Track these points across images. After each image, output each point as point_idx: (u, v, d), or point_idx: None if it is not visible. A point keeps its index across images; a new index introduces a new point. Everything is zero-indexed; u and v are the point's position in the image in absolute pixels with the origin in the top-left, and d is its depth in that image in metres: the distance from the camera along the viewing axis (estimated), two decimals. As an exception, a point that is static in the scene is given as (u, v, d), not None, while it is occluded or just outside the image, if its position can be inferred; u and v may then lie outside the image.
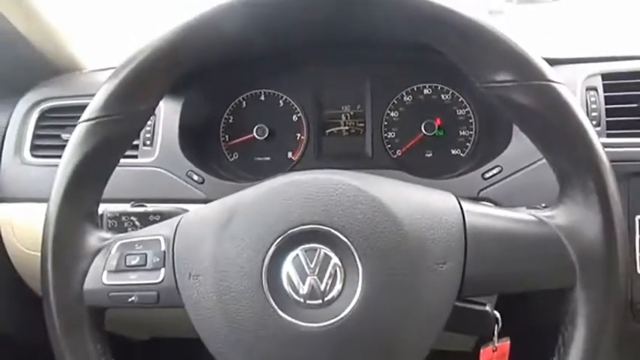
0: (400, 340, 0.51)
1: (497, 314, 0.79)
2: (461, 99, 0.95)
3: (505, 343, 0.83)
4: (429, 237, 0.52)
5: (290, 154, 1.01)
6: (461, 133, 0.95)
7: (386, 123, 0.98)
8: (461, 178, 0.83)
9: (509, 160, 0.80)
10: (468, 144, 0.95)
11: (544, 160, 0.78)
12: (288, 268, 0.52)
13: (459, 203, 0.55)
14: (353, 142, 1.00)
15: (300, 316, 0.51)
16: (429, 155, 0.97)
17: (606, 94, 0.78)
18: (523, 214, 0.55)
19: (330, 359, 0.50)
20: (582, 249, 0.51)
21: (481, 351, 0.80)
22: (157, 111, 0.93)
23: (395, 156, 0.98)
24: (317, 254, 0.52)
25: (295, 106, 1.01)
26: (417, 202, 0.54)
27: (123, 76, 0.57)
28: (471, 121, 0.96)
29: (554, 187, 0.57)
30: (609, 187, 0.51)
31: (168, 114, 0.93)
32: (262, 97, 1.03)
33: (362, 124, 1.00)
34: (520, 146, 0.82)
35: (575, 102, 0.52)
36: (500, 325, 0.80)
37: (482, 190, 0.81)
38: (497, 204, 0.79)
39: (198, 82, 0.97)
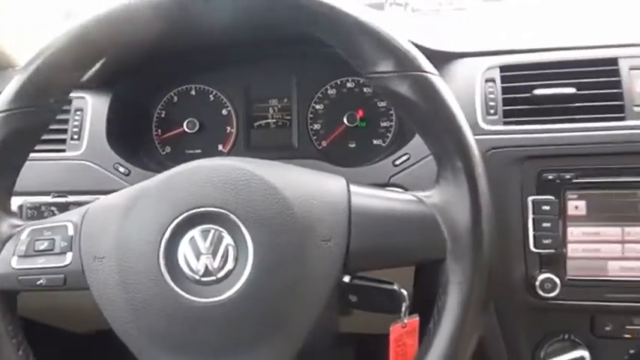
0: (288, 312, 0.55)
1: (405, 292, 0.85)
2: None
3: (414, 320, 0.88)
4: (317, 217, 0.56)
5: (221, 147, 1.05)
6: (382, 124, 1.01)
7: (311, 115, 1.03)
8: (374, 166, 0.88)
9: (417, 147, 0.85)
10: (388, 134, 1.00)
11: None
12: (184, 248, 0.56)
13: (348, 186, 0.60)
14: (280, 134, 1.04)
15: (196, 292, 0.55)
16: (352, 145, 1.01)
17: (503, 84, 0.84)
18: (405, 195, 0.60)
19: (224, 332, 0.54)
20: (452, 224, 0.56)
21: (391, 328, 0.85)
22: (84, 105, 0.96)
23: (320, 147, 1.02)
24: (211, 235, 0.56)
25: (225, 100, 1.05)
26: (308, 185, 0.58)
27: (32, 70, 0.60)
28: (390, 112, 1.01)
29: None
30: (476, 168, 0.56)
31: (96, 108, 0.95)
32: (193, 92, 1.06)
33: (289, 117, 1.04)
34: None
35: (447, 91, 0.57)
36: (408, 302, 0.85)
37: (392, 176, 0.86)
38: (406, 189, 0.84)
39: (127, 76, 1.00)
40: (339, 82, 1.02)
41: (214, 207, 0.56)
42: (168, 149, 1.05)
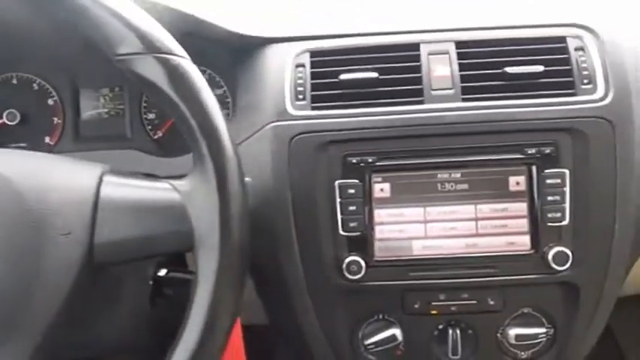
0: (22, 309, 0.52)
1: None
2: (218, 79, 0.98)
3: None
4: (54, 210, 0.54)
5: (47, 139, 0.98)
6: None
7: (145, 104, 0.99)
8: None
9: (237, 131, 0.84)
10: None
11: (257, 133, 0.84)
12: None
13: (101, 176, 0.57)
14: (112, 124, 0.99)
15: None
16: None
17: (313, 70, 0.84)
18: (159, 183, 0.58)
19: None
20: (198, 213, 0.54)
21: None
22: None
23: (155, 136, 0.98)
24: None
25: (50, 89, 0.98)
26: (51, 176, 0.55)
27: None
28: (227, 100, 0.99)
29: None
30: (221, 155, 0.55)
31: None
32: (14, 81, 0.98)
33: (122, 106, 0.99)
34: (235, 121, 0.88)
35: (197, 76, 0.56)
36: None
37: None
38: None
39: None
40: None
41: None
42: (-12, 144, 0.98)
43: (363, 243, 0.81)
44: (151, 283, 0.75)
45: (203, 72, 0.97)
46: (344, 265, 0.79)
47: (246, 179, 0.74)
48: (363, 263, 0.79)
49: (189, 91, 0.54)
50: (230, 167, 0.54)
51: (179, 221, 0.54)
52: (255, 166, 0.82)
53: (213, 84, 0.98)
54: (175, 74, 0.54)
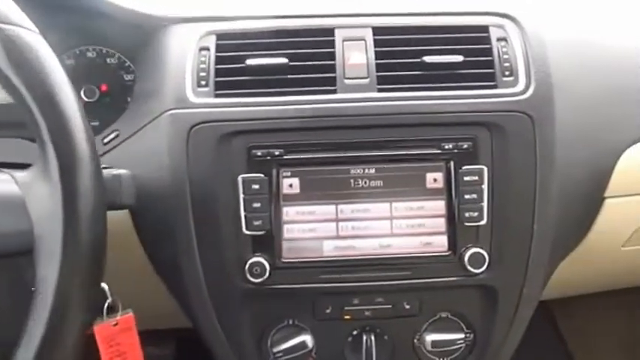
0: None
1: (106, 287, 0.77)
2: (128, 63, 0.90)
3: (128, 316, 0.81)
4: None
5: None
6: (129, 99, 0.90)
7: None
8: None
9: (127, 122, 0.77)
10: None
11: (153, 121, 0.77)
12: None
13: None
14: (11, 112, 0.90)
15: None
16: (96, 124, 0.90)
17: (218, 54, 0.77)
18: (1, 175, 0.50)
19: None
20: (39, 209, 0.47)
21: (95, 328, 0.76)
22: None
23: None
24: None
25: None
26: None
27: None
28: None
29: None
30: (67, 142, 0.47)
31: None
32: None
33: None
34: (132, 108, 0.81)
35: (39, 47, 0.48)
36: (110, 298, 0.77)
37: (101, 155, 0.77)
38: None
39: None
40: (77, 52, 0.91)
41: None
42: None
43: (268, 243, 0.74)
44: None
45: (112, 55, 0.90)
46: (246, 267, 0.73)
47: (122, 172, 0.67)
48: (267, 265, 0.73)
49: (28, 66, 0.46)
50: (78, 157, 0.46)
51: (16, 218, 0.47)
52: (150, 158, 0.74)
53: (122, 68, 0.90)
54: (10, 47, 0.46)
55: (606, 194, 0.80)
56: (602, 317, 1.61)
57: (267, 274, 0.73)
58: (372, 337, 0.79)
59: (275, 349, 0.78)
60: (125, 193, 0.66)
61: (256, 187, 0.73)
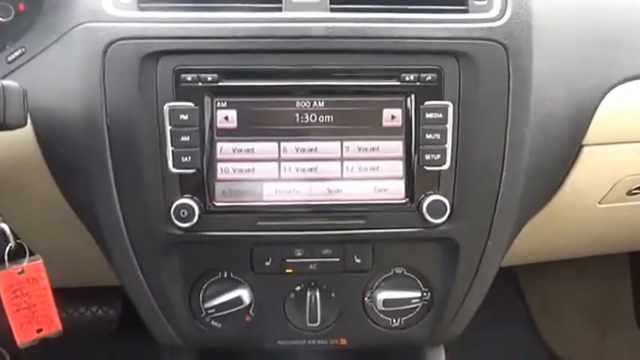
0: None
1: (6, 228, 0.67)
2: None
3: (36, 263, 0.71)
4: None
5: None
6: None
7: None
8: None
9: (34, 39, 0.65)
10: None
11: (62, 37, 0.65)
12: None
13: None
14: None
15: None
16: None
17: None
18: None
19: None
20: None
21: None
22: None
23: None
24: None
25: None
26: None
27: None
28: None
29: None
30: None
31: None
32: None
33: None
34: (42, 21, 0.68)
35: None
36: (13, 242, 0.68)
37: (5, 76, 0.66)
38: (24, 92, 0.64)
39: None
40: None
41: None
42: None
43: (199, 184, 0.64)
44: None
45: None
46: (172, 210, 0.63)
47: (7, 83, 0.56)
48: (196, 208, 0.63)
49: None
50: None
51: None
52: (59, 82, 0.64)
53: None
54: None
55: (585, 141, 0.72)
56: (565, 284, 1.60)
57: (197, 218, 0.63)
58: (317, 294, 0.70)
59: (207, 305, 0.70)
60: (12, 110, 0.55)
61: (185, 117, 0.63)
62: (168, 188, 0.64)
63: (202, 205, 0.64)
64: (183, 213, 0.63)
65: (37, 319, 0.70)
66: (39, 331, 0.71)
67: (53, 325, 0.72)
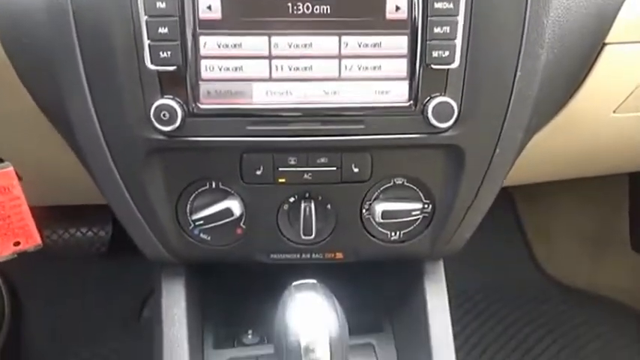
0: None
1: None
2: None
3: (7, 170, 0.65)
4: None
5: None
6: None
7: None
8: None
9: None
10: None
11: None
12: None
13: None
14: None
15: None
16: None
17: None
18: None
19: None
20: None
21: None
22: None
23: None
24: None
25: None
26: None
27: None
28: None
29: None
30: None
31: None
32: None
33: None
34: None
35: None
36: None
37: None
38: None
39: None
40: None
41: None
42: None
43: (181, 83, 0.58)
44: None
45: None
46: (152, 112, 0.57)
47: None
48: (179, 110, 0.57)
49: None
50: None
51: None
52: None
53: None
54: None
55: (608, 39, 0.65)
56: (562, 209, 1.58)
57: (179, 121, 0.57)
58: (312, 206, 0.66)
59: (195, 217, 0.66)
60: None
61: (162, 5, 0.55)
62: (147, 87, 0.57)
63: (185, 106, 0.58)
64: (164, 115, 0.57)
65: (13, 231, 0.66)
66: (16, 244, 0.68)
67: (32, 239, 0.68)
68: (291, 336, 0.55)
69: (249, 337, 0.84)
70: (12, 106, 0.66)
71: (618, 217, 1.52)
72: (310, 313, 0.56)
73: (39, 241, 0.68)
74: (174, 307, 0.74)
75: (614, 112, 0.76)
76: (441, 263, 0.80)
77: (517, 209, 1.65)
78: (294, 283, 0.60)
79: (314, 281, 0.60)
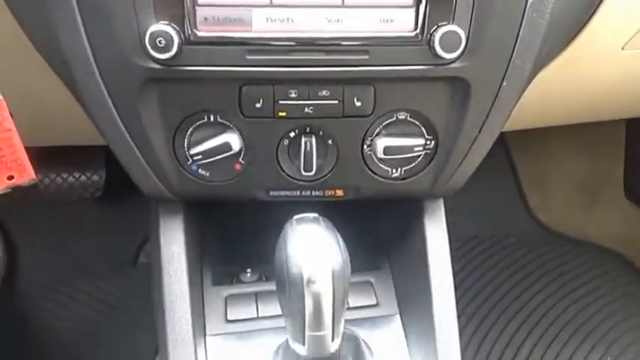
0: None
1: None
2: None
3: None
4: None
5: None
6: None
7: None
8: None
9: None
10: None
11: None
12: None
13: None
14: None
15: None
16: None
17: None
18: None
19: None
20: None
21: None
22: None
23: None
24: None
25: None
26: None
27: None
28: None
29: None
30: None
31: None
32: None
33: None
34: None
35: None
36: None
37: None
38: None
39: None
40: None
41: None
42: None
43: (177, 8, 0.55)
44: None
45: None
46: (147, 38, 0.55)
47: None
48: (175, 37, 0.55)
49: None
50: None
51: None
52: None
53: None
54: None
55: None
56: (557, 156, 1.59)
57: (176, 48, 0.55)
58: (313, 141, 0.64)
59: (192, 151, 0.64)
60: None
61: None
62: (141, 12, 0.54)
63: (182, 33, 0.55)
64: (160, 42, 0.54)
65: (6, 164, 0.64)
66: (10, 178, 0.66)
67: (26, 173, 0.66)
68: (293, 267, 0.55)
69: (248, 275, 0.84)
70: (4, 41, 0.63)
71: (612, 166, 1.52)
72: (313, 245, 0.56)
73: (33, 175, 0.66)
74: (173, 244, 0.74)
75: (622, 48, 0.74)
76: (442, 202, 0.79)
77: (512, 157, 1.65)
78: (296, 217, 0.60)
79: (316, 215, 0.59)
